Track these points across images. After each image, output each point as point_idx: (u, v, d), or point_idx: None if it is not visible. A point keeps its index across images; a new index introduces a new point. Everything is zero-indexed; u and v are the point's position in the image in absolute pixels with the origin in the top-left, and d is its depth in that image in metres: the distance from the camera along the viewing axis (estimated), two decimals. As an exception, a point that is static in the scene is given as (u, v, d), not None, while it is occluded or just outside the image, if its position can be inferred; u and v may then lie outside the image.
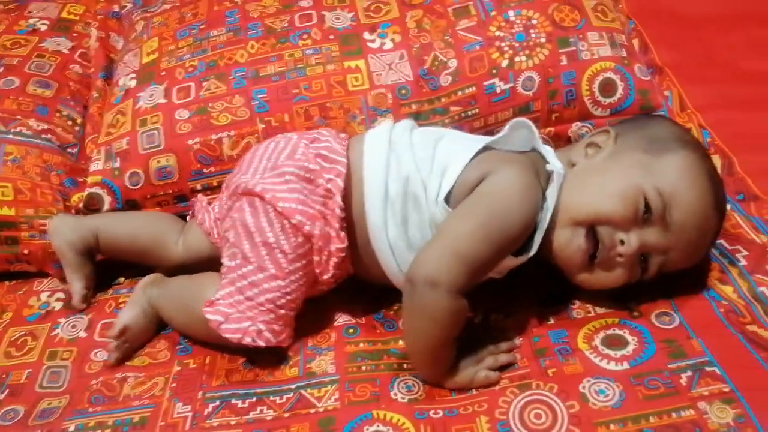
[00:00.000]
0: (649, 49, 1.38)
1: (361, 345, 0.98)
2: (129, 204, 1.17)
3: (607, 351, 0.90)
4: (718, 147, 1.19)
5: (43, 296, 1.15)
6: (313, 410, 0.89)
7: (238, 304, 0.95)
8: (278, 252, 0.95)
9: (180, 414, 0.91)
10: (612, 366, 0.88)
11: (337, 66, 1.18)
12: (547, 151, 0.98)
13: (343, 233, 0.97)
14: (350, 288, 1.05)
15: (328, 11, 1.25)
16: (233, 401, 0.92)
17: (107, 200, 1.16)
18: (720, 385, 0.83)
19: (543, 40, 1.15)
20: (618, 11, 1.29)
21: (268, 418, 0.89)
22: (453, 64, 1.15)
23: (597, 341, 0.92)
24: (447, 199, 0.94)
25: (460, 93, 1.15)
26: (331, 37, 1.21)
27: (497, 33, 1.16)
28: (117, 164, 1.17)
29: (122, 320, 1.01)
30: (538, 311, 0.99)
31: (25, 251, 1.16)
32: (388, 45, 1.19)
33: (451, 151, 0.98)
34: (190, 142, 1.15)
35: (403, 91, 1.15)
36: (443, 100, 1.15)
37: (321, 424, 0.87)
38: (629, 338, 0.92)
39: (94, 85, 1.37)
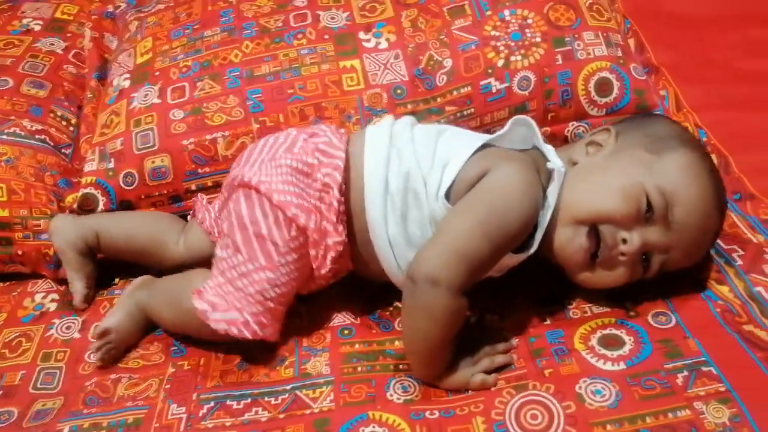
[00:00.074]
0: (645, 49, 1.38)
1: (357, 346, 0.98)
2: (123, 204, 1.16)
3: (603, 351, 0.90)
4: (715, 146, 1.19)
5: (38, 297, 1.15)
6: (308, 411, 0.89)
7: (227, 295, 0.95)
8: (270, 244, 0.95)
9: (174, 415, 0.91)
10: (608, 366, 0.88)
11: (332, 66, 1.17)
12: (548, 149, 0.98)
13: (341, 227, 0.97)
14: (347, 287, 1.05)
15: (322, 11, 1.25)
16: (228, 402, 0.92)
17: (101, 201, 1.16)
18: (716, 385, 0.83)
19: (538, 39, 1.15)
20: (614, 11, 1.29)
21: (263, 419, 0.89)
22: (448, 63, 1.15)
23: (593, 341, 0.92)
24: (447, 195, 0.94)
25: (455, 93, 1.14)
26: (326, 36, 1.21)
27: (492, 32, 1.16)
28: (111, 165, 1.16)
29: (104, 323, 1.01)
30: (535, 311, 0.99)
31: (19, 252, 1.16)
32: (383, 44, 1.18)
33: (452, 146, 0.98)
34: (184, 142, 1.15)
35: (399, 91, 1.15)
36: (439, 99, 1.15)
37: (316, 425, 0.86)
38: (626, 338, 0.92)
39: (88, 86, 1.36)
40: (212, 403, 0.92)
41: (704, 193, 0.92)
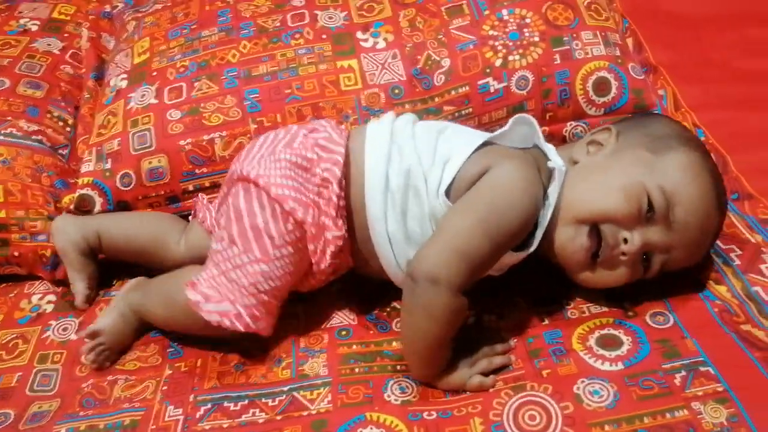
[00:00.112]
0: (643, 48, 1.38)
1: (354, 347, 0.98)
2: (120, 205, 1.16)
3: (601, 351, 0.90)
4: (713, 146, 1.19)
5: (35, 299, 1.14)
6: (305, 412, 0.88)
7: (220, 286, 0.94)
8: (266, 236, 0.94)
9: (171, 417, 0.91)
10: (606, 366, 0.88)
11: (330, 65, 1.17)
12: (549, 148, 0.98)
13: (341, 222, 0.97)
14: (346, 284, 1.05)
15: (320, 10, 1.25)
16: (225, 404, 0.92)
17: (98, 201, 1.15)
18: (714, 385, 0.83)
19: (536, 39, 1.15)
20: (612, 10, 1.29)
21: (261, 420, 0.89)
22: (446, 63, 1.15)
23: (591, 341, 0.92)
24: (447, 193, 0.94)
25: (453, 92, 1.14)
26: (324, 36, 1.21)
27: (491, 32, 1.16)
28: (108, 165, 1.16)
29: (95, 324, 1.01)
30: (533, 312, 0.99)
31: (16, 253, 1.15)
32: (381, 44, 1.18)
33: (453, 144, 0.98)
34: (181, 142, 1.14)
35: (396, 91, 1.15)
36: (437, 99, 1.14)
37: (314, 426, 0.86)
38: (624, 338, 0.91)
39: (85, 86, 1.36)
40: (209, 405, 0.92)
41: (705, 193, 0.92)
